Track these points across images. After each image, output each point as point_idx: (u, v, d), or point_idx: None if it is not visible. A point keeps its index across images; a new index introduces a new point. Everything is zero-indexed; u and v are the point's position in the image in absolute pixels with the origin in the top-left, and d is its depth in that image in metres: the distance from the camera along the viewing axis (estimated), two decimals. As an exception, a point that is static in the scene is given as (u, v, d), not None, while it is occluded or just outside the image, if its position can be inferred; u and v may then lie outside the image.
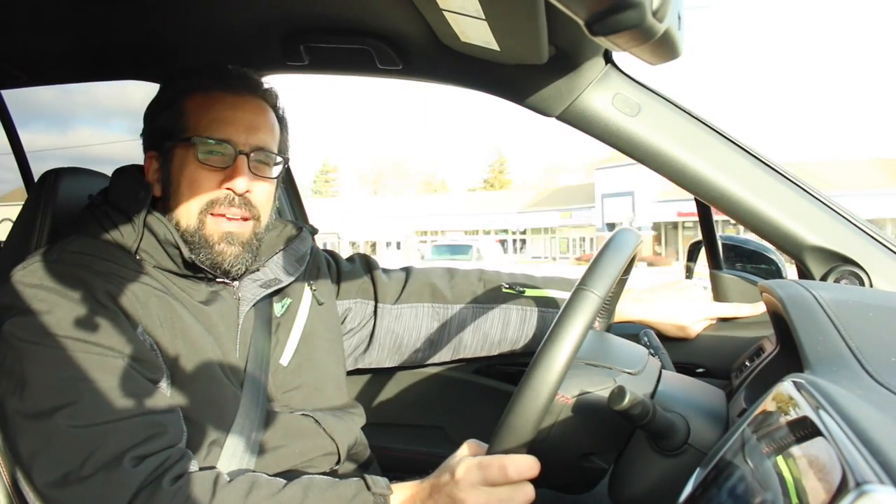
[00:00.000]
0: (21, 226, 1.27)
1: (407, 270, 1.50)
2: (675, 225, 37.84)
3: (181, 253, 1.13)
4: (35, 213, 1.26)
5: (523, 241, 51.28)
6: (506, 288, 1.45)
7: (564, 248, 47.77)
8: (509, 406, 0.87)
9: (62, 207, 1.27)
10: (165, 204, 1.17)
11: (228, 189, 1.15)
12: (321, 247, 1.50)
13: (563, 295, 1.44)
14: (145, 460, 0.94)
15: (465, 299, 1.45)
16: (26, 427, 0.95)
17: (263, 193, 1.20)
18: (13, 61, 1.57)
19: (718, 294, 1.49)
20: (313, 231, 1.41)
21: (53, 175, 1.30)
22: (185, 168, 1.15)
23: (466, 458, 0.94)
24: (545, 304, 1.44)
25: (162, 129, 1.19)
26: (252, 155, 1.16)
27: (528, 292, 1.45)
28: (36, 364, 0.97)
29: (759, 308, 1.40)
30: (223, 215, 1.15)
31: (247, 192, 1.16)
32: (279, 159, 1.22)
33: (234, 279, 1.21)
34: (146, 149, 1.22)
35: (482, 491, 0.91)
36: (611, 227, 41.09)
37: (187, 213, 1.15)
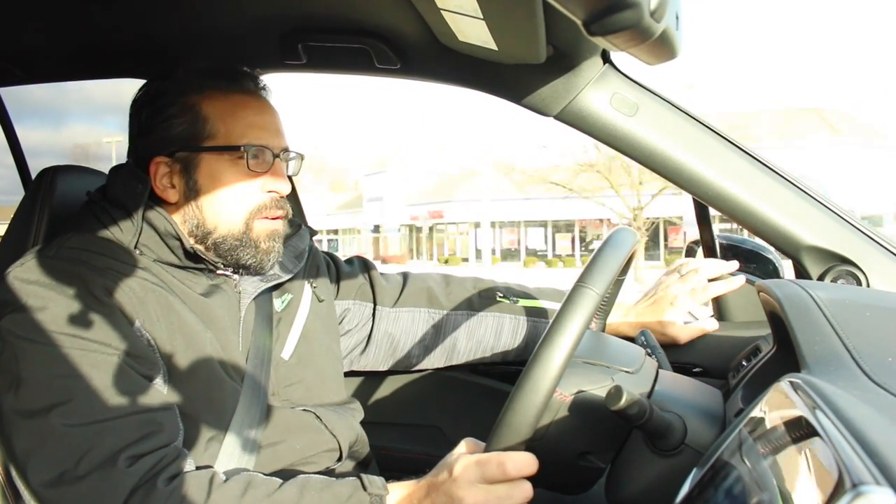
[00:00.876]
0: (18, 223, 1.27)
1: (404, 275, 1.51)
2: (431, 227, 41.51)
3: (182, 244, 1.13)
4: (32, 211, 1.26)
5: (336, 241, 55.03)
6: (500, 296, 1.47)
7: (359, 248, 51.83)
8: (508, 402, 0.87)
9: (59, 205, 1.27)
10: (187, 209, 1.15)
11: (272, 192, 1.17)
12: None
13: (556, 306, 1.45)
14: (140, 460, 0.94)
15: (460, 306, 1.46)
16: (21, 425, 0.95)
17: (289, 190, 1.23)
18: (11, 59, 1.57)
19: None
20: (313, 232, 1.41)
21: (51, 172, 1.30)
22: (222, 175, 1.14)
23: (464, 456, 0.94)
24: (537, 314, 1.46)
25: (177, 136, 1.15)
26: (282, 156, 1.19)
27: (522, 302, 1.47)
28: (31, 361, 0.97)
29: (739, 280, 1.42)
30: (268, 217, 1.17)
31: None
32: (293, 155, 1.24)
33: (234, 272, 1.20)
34: (150, 154, 1.16)
35: (480, 489, 0.90)
36: (375, 229, 45.64)
37: (230, 219, 1.15)
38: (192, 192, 1.15)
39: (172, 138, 1.15)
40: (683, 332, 1.42)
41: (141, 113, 1.19)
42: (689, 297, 1.43)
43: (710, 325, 1.44)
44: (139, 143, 1.19)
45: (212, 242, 1.15)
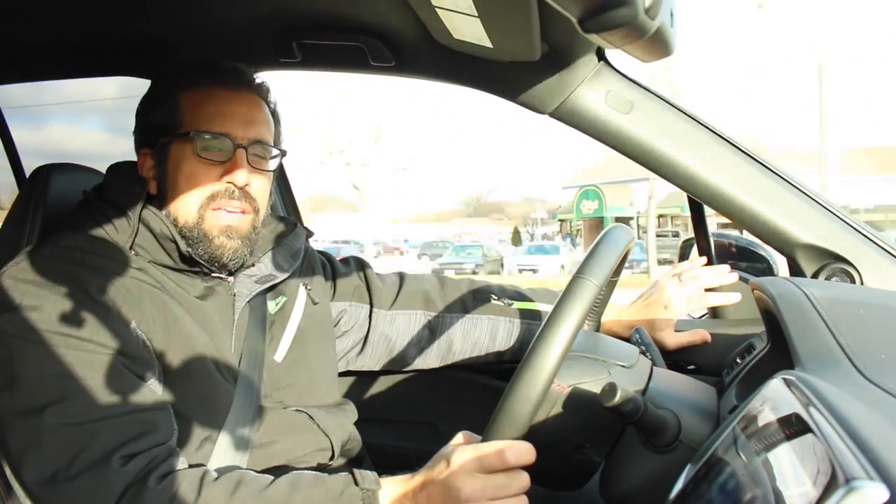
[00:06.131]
0: (12, 222, 1.26)
1: (400, 276, 1.51)
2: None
3: (178, 247, 1.13)
4: (26, 210, 1.25)
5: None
6: (494, 298, 1.47)
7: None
8: (507, 391, 0.86)
9: (54, 203, 1.26)
10: (162, 200, 1.17)
11: (228, 182, 1.14)
12: None
13: (549, 308, 1.44)
14: (133, 459, 0.94)
15: (455, 308, 1.46)
16: (16, 424, 0.95)
17: (261, 186, 1.20)
18: (7, 57, 1.56)
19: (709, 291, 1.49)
20: (308, 233, 1.40)
21: (45, 171, 1.29)
22: (183, 163, 1.14)
23: (462, 447, 0.93)
24: (531, 316, 1.46)
25: (156, 126, 1.18)
26: (250, 148, 1.16)
27: (516, 304, 1.47)
28: (26, 361, 0.97)
29: (736, 297, 1.42)
30: (223, 209, 1.15)
31: (246, 185, 1.15)
32: (275, 152, 1.22)
33: (230, 273, 1.20)
34: (139, 146, 1.21)
35: (478, 478, 0.90)
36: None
37: (186, 208, 1.14)
38: (163, 182, 1.17)
39: (152, 129, 1.19)
40: (672, 339, 1.42)
41: (137, 109, 1.23)
42: (685, 304, 1.43)
43: (702, 336, 1.42)
44: (134, 137, 1.23)
45: (179, 234, 1.14)
